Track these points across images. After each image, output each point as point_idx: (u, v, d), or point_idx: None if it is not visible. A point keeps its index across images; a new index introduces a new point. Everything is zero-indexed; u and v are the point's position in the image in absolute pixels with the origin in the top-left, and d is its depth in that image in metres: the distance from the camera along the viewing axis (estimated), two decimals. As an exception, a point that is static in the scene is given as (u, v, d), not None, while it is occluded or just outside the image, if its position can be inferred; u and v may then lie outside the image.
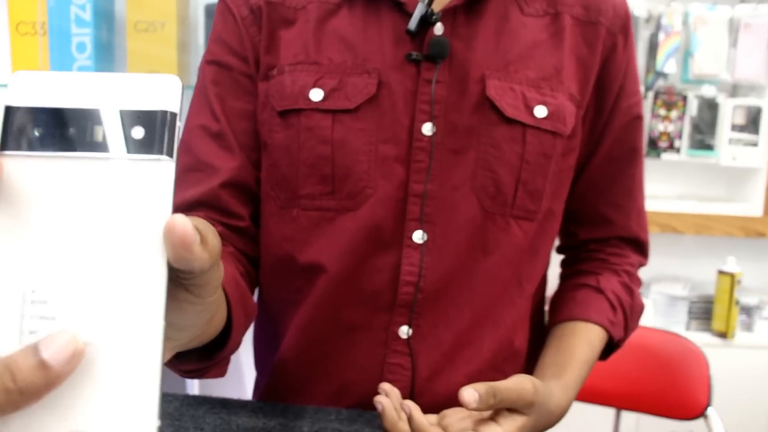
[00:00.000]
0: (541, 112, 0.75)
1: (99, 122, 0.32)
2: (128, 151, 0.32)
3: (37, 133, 0.32)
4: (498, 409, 0.66)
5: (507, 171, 0.74)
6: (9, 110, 0.32)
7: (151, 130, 0.32)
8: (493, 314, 0.78)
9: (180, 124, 0.33)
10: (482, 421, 0.66)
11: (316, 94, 0.73)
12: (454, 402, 0.64)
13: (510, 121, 0.74)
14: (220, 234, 0.75)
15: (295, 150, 0.74)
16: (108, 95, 0.33)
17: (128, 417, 0.30)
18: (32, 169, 0.32)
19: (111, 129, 0.32)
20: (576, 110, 0.78)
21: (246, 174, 0.77)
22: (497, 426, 0.65)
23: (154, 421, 0.30)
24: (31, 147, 0.32)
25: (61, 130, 0.32)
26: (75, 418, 0.30)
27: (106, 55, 1.58)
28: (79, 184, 0.32)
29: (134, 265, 0.31)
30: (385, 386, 0.69)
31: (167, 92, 0.33)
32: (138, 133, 0.32)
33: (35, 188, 0.31)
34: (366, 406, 0.73)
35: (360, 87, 0.73)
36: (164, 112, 0.33)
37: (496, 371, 0.79)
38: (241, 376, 1.48)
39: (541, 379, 0.71)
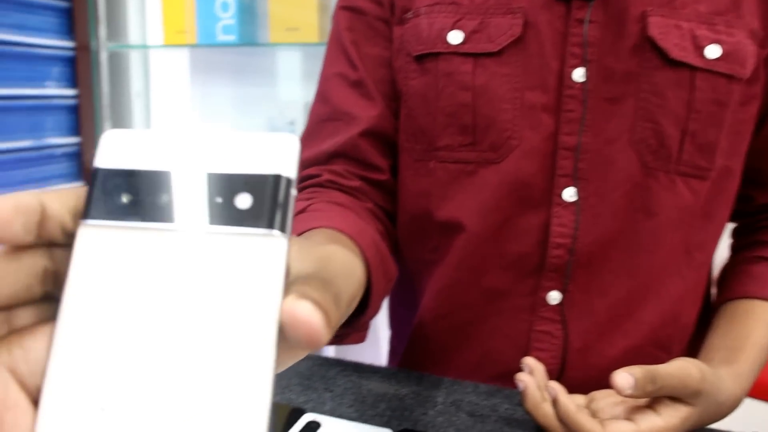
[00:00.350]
0: (713, 52, 0.64)
1: (199, 188, 0.26)
2: (232, 224, 0.26)
3: (125, 200, 0.26)
4: (658, 397, 0.56)
5: (671, 121, 0.65)
6: (96, 173, 0.27)
7: (261, 199, 0.26)
8: (656, 284, 0.69)
9: (295, 192, 0.27)
10: (638, 409, 0.57)
11: (456, 37, 0.67)
12: (608, 378, 0.57)
13: (675, 64, 0.64)
14: (358, 188, 0.74)
15: (432, 98, 0.69)
16: (211, 156, 0.27)
17: None
18: (117, 242, 0.26)
19: (212, 196, 0.26)
20: (758, 50, 0.66)
21: (386, 123, 0.73)
22: (656, 416, 0.55)
23: None
24: (118, 216, 0.26)
25: (154, 197, 0.26)
26: None
27: (249, 15, 1.60)
28: (173, 261, 0.26)
29: (233, 362, 0.25)
30: (529, 361, 0.61)
31: (282, 154, 0.27)
32: (244, 202, 0.26)
33: (120, 266, 0.26)
34: (510, 377, 0.67)
35: (504, 28, 0.66)
36: (277, 177, 0.26)
37: (659, 348, 0.70)
38: (376, 340, 1.46)
39: (709, 365, 0.59)
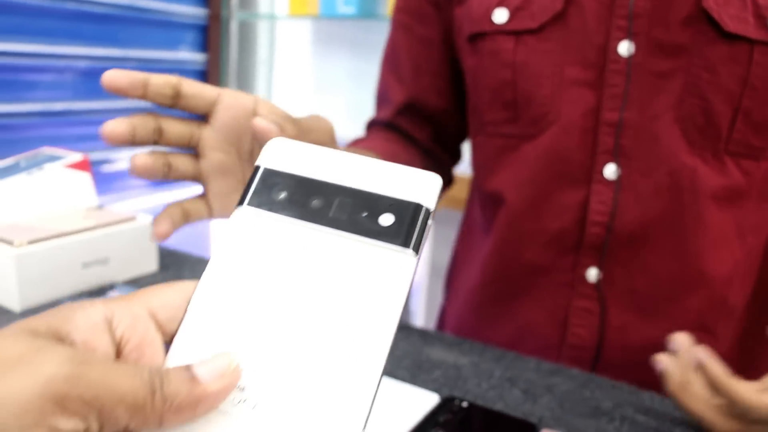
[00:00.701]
0: None
1: (346, 200, 0.30)
2: (373, 237, 0.29)
3: (280, 197, 0.30)
4: None
5: (722, 98, 0.62)
6: (257, 170, 0.31)
7: (401, 221, 0.29)
8: (703, 267, 0.66)
9: (431, 223, 0.30)
10: None
11: (501, 15, 0.68)
12: (647, 360, 0.55)
13: (731, 38, 0.60)
14: (409, 158, 0.80)
15: (480, 76, 0.71)
16: (362, 176, 0.30)
17: None
18: (267, 229, 0.30)
19: (360, 210, 0.29)
20: None
21: (423, 99, 0.80)
22: None
23: None
24: (272, 209, 0.30)
25: (307, 199, 0.30)
26: None
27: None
28: (312, 256, 0.29)
29: (350, 358, 0.27)
30: (678, 338, 0.55)
31: (426, 188, 0.30)
32: (387, 220, 0.29)
33: (264, 249, 0.30)
34: (548, 351, 0.66)
35: (546, 4, 0.65)
36: (419, 206, 0.29)
37: (703, 331, 0.67)
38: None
39: None
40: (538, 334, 0.72)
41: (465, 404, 0.58)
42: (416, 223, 0.29)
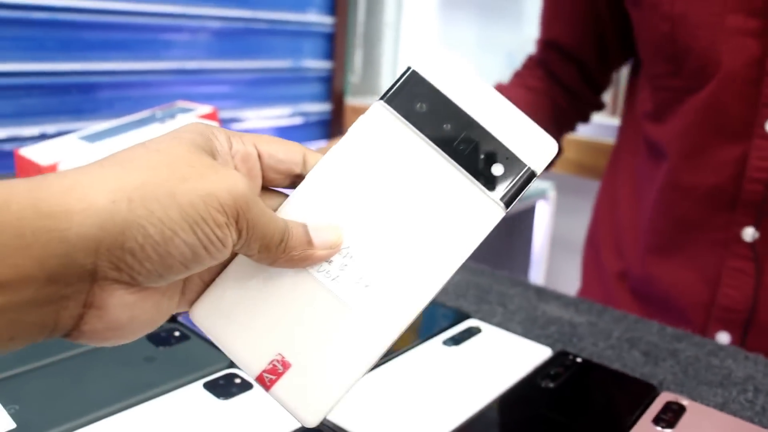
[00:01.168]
0: None
1: (472, 136, 0.32)
2: (477, 178, 0.32)
3: (416, 107, 0.32)
4: None
5: None
6: (411, 74, 0.33)
7: (508, 176, 0.32)
8: None
9: (532, 184, 0.32)
10: None
11: None
12: None
13: None
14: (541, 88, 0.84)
15: (642, 29, 0.70)
16: (494, 118, 0.32)
17: (331, 371, 0.31)
18: (394, 133, 0.33)
19: (478, 150, 0.32)
20: None
21: (572, 41, 0.82)
22: None
23: (345, 386, 0.31)
24: (407, 115, 0.33)
25: (439, 121, 0.32)
26: (287, 343, 0.31)
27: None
28: (423, 175, 0.32)
29: (426, 264, 0.32)
30: None
31: (542, 151, 0.32)
32: (497, 170, 0.32)
33: (385, 151, 0.33)
34: (696, 310, 0.62)
35: None
36: (528, 169, 0.32)
37: None
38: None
39: None
40: (688, 292, 0.69)
41: (579, 360, 0.55)
42: (518, 183, 0.32)
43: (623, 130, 0.82)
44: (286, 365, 0.31)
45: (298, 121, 1.70)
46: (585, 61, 0.84)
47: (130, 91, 1.40)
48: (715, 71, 0.62)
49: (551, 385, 0.50)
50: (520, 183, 0.32)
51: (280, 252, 0.30)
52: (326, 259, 0.32)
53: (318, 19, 1.69)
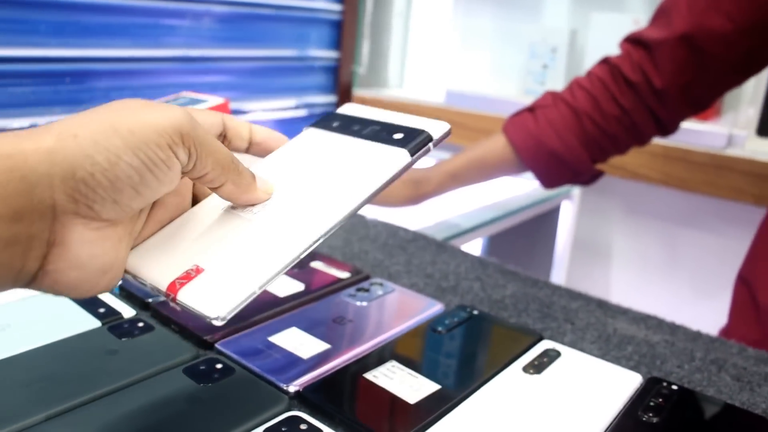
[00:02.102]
0: None
1: (376, 126, 0.42)
2: (383, 142, 0.40)
3: (334, 124, 0.44)
4: None
5: None
6: (331, 114, 0.45)
7: (408, 136, 0.40)
8: None
9: (431, 148, 0.40)
10: None
11: None
12: None
13: None
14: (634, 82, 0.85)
15: None
16: (394, 117, 0.43)
17: (240, 273, 0.33)
18: (315, 135, 0.44)
19: (381, 130, 0.41)
20: None
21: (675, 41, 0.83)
22: None
23: (253, 286, 0.33)
24: (325, 128, 0.44)
25: (349, 124, 0.43)
26: (204, 255, 0.35)
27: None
28: (336, 149, 0.41)
29: (332, 194, 0.37)
30: None
31: (436, 128, 0.40)
32: (398, 135, 0.40)
33: (308, 142, 0.43)
34: None
35: None
36: (423, 131, 0.40)
37: None
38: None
39: None
40: None
41: (675, 387, 0.49)
42: (417, 138, 0.39)
43: None
44: (199, 270, 0.34)
45: (302, 113, 1.63)
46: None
47: (128, 80, 1.32)
48: None
49: (655, 419, 0.45)
50: (418, 138, 0.39)
51: (234, 171, 0.35)
52: (262, 200, 0.38)
53: (325, 5, 1.62)
